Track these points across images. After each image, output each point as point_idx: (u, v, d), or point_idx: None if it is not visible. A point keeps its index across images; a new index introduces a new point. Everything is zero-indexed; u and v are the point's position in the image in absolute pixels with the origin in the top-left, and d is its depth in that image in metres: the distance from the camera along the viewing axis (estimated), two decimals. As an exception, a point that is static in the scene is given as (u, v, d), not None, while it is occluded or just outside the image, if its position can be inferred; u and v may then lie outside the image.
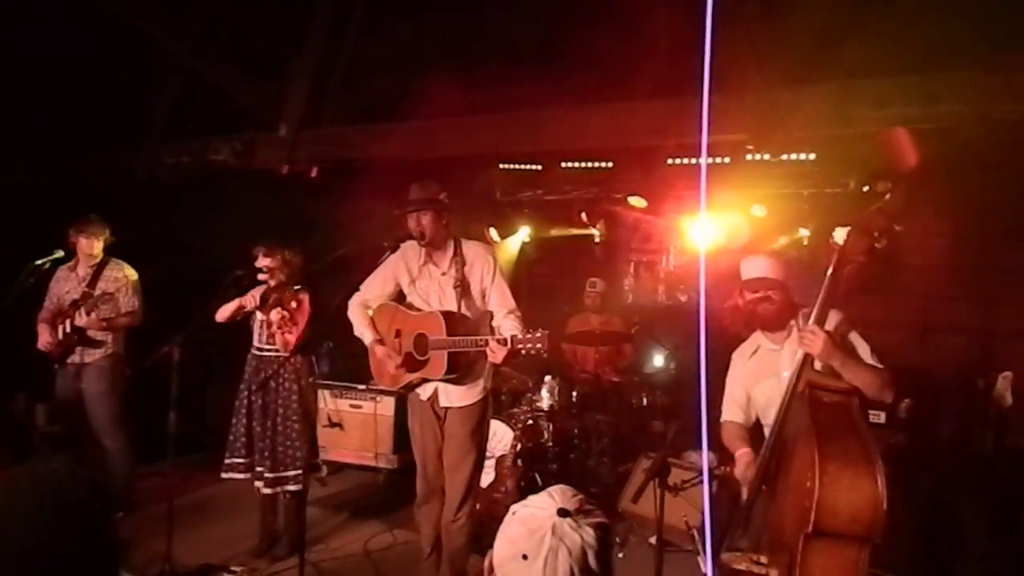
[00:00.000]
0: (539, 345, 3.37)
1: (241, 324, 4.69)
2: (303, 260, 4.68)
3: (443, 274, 3.90)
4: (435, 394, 3.92)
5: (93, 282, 4.99)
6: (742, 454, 3.10)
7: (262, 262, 4.55)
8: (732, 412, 3.29)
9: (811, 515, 2.41)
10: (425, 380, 3.89)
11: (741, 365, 3.29)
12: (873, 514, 2.43)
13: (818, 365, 2.85)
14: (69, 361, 5.02)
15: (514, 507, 1.54)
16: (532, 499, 1.54)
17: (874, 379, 2.81)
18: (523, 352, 3.44)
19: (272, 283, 4.57)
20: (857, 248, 2.79)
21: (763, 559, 2.71)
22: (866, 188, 2.90)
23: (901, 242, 2.85)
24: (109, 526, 1.40)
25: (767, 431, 3.06)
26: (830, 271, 2.82)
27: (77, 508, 1.31)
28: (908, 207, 2.73)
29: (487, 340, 3.50)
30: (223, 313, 4.57)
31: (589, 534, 1.45)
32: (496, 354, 3.48)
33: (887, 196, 2.81)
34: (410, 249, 3.98)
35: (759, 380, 3.18)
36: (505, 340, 3.44)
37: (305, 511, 4.31)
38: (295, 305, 4.47)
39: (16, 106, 5.74)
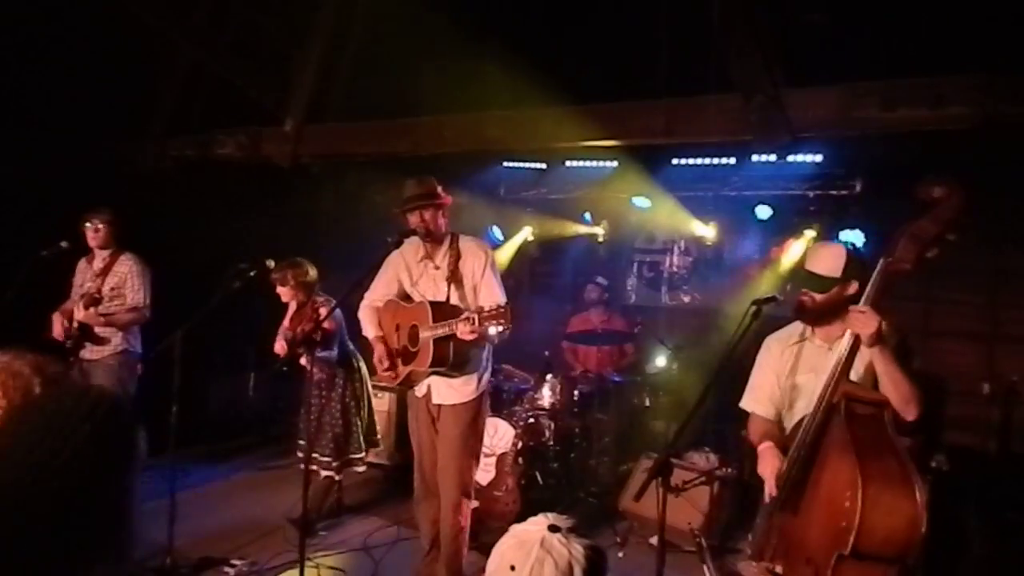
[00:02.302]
0: (502, 320, 3.41)
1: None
2: (313, 271, 4.83)
3: (436, 268, 3.94)
4: (429, 391, 3.93)
5: (103, 276, 4.89)
6: (766, 448, 2.84)
7: (279, 291, 4.78)
8: (760, 404, 2.98)
9: (850, 537, 2.34)
10: (425, 375, 3.88)
11: (777, 351, 2.96)
12: (910, 537, 2.36)
13: (855, 376, 2.66)
14: (80, 356, 4.90)
15: (511, 527, 1.58)
16: (529, 520, 1.57)
17: (907, 389, 2.59)
18: (489, 326, 3.46)
19: (295, 305, 4.82)
20: (906, 255, 2.57)
21: (778, 568, 2.63)
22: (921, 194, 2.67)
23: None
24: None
25: (788, 425, 2.89)
26: (875, 276, 2.62)
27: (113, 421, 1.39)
28: (966, 216, 2.53)
29: (456, 323, 3.55)
30: (279, 349, 4.79)
31: (578, 551, 1.46)
32: (464, 331, 3.52)
33: (944, 202, 2.59)
34: (408, 247, 3.99)
35: (795, 372, 2.89)
36: (469, 318, 3.48)
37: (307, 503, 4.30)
38: (313, 315, 4.64)
39: (21, 97, 5.74)
